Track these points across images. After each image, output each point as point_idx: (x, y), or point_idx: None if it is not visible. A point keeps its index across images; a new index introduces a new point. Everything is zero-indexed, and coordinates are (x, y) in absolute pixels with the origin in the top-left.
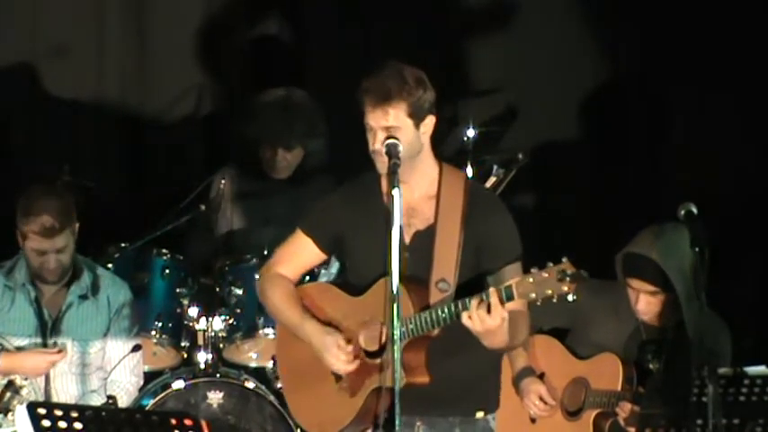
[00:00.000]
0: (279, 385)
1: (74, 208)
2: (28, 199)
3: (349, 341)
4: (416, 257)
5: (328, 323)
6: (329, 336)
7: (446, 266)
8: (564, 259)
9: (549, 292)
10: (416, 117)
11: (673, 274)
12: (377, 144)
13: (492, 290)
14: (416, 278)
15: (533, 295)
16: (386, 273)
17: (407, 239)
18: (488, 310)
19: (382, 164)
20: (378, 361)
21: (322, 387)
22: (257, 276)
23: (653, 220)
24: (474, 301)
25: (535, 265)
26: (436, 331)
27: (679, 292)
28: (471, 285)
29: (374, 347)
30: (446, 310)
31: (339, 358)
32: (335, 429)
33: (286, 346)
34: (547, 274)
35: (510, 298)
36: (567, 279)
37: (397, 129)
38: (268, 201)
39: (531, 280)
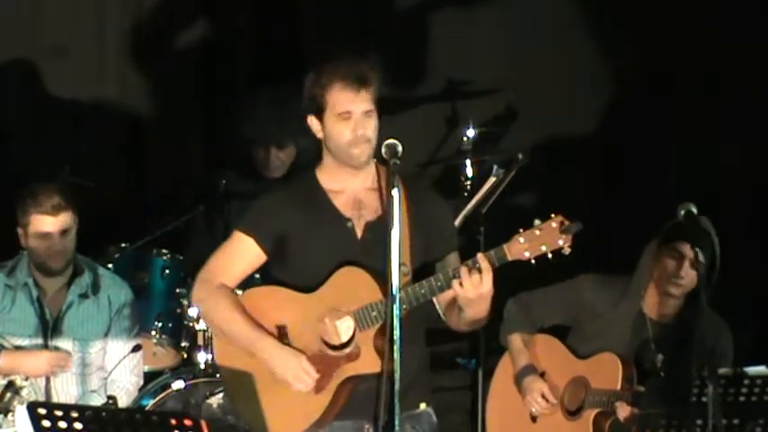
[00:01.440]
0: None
1: (73, 197)
2: (29, 189)
3: (311, 357)
4: (371, 247)
5: (280, 326)
6: (293, 357)
7: (403, 252)
8: (553, 215)
9: (544, 248)
10: (377, 105)
11: (717, 254)
12: (359, 129)
13: (480, 255)
14: (374, 266)
15: (527, 254)
16: (342, 265)
17: (360, 231)
18: (480, 277)
19: (364, 150)
20: (346, 352)
21: (280, 389)
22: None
23: (653, 220)
24: (464, 269)
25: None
26: (404, 312)
27: (710, 277)
28: (422, 270)
29: (336, 341)
30: (427, 285)
31: (304, 381)
32: (302, 428)
33: (229, 354)
34: (539, 231)
35: (502, 261)
36: (562, 232)
37: (373, 113)
38: None
39: (522, 239)
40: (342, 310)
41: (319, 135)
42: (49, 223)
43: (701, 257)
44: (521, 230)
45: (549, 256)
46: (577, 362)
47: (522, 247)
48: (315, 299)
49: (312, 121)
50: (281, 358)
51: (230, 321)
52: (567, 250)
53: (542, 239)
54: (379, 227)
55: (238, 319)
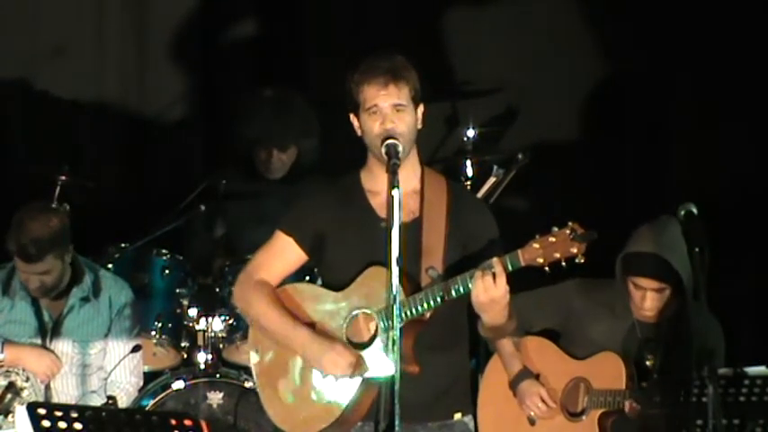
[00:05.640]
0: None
1: (66, 231)
2: (19, 218)
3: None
4: (400, 248)
5: (309, 324)
6: (327, 344)
7: (434, 255)
8: (569, 223)
9: (558, 255)
10: (415, 101)
11: (680, 267)
12: (388, 123)
13: (495, 260)
14: (401, 267)
15: (541, 260)
16: (371, 264)
17: None
18: (493, 280)
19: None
20: (368, 351)
21: (304, 387)
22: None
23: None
24: (478, 272)
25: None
26: (429, 314)
27: (686, 285)
28: (458, 274)
29: (360, 339)
30: (443, 287)
31: (340, 366)
32: (322, 426)
33: (261, 348)
34: (554, 238)
35: (516, 266)
36: (576, 240)
37: (405, 108)
38: (264, 201)
39: (536, 245)
40: (371, 311)
41: (359, 132)
42: (23, 266)
43: (657, 285)
44: (536, 236)
45: (563, 263)
46: (575, 363)
47: (535, 253)
48: (342, 298)
49: (353, 120)
50: (316, 346)
51: (265, 316)
52: (580, 258)
53: (556, 246)
54: (412, 229)
55: (273, 313)
